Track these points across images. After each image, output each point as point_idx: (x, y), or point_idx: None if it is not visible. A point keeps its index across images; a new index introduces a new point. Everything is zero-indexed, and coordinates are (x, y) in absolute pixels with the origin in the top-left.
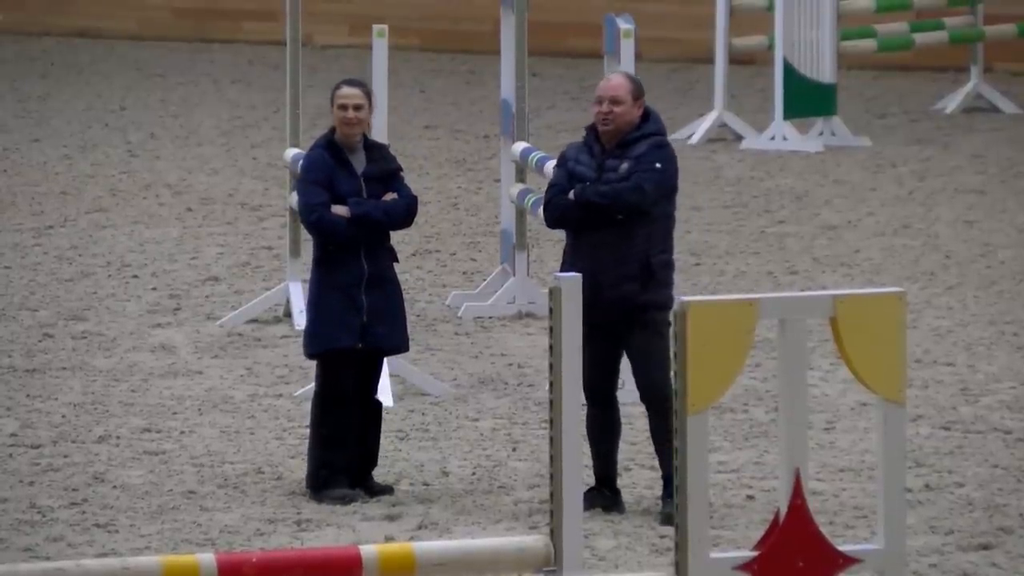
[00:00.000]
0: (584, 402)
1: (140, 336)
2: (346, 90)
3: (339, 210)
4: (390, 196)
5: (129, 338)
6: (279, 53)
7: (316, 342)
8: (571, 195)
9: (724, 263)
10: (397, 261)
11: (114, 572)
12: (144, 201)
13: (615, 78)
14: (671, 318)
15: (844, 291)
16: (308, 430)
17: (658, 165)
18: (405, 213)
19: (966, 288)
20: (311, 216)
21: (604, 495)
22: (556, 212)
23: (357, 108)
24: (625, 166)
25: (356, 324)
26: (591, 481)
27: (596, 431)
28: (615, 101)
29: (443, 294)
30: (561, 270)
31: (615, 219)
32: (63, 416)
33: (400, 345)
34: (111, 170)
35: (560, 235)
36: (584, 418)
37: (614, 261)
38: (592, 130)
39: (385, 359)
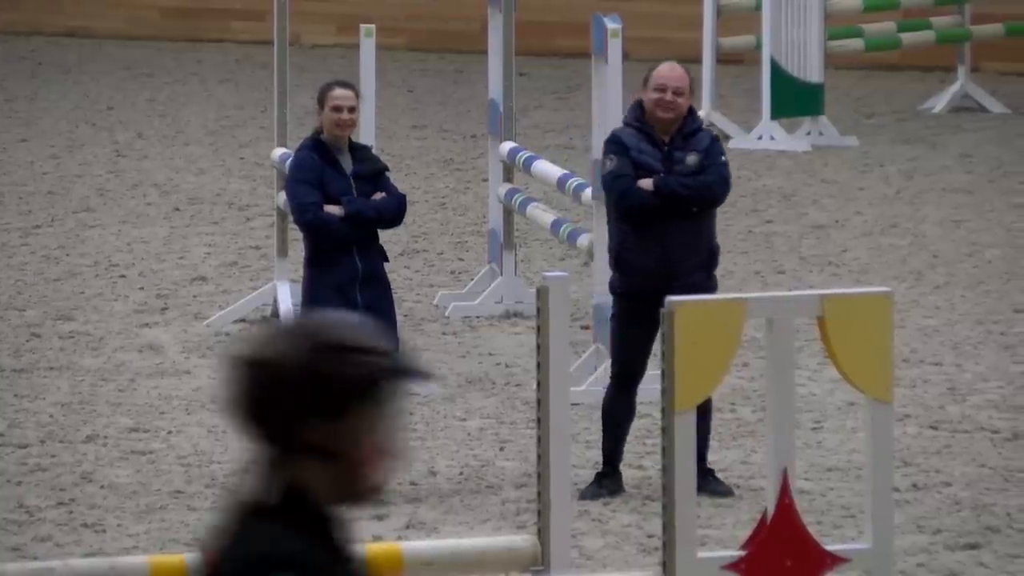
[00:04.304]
0: (611, 386)
1: (128, 336)
2: (340, 91)
3: (332, 209)
4: (379, 195)
5: (117, 338)
6: (267, 52)
7: None
8: (644, 184)
9: None
10: (387, 260)
11: (102, 572)
12: (132, 201)
13: (677, 69)
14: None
15: (831, 291)
16: None
17: (723, 158)
18: (396, 211)
19: (953, 287)
20: (305, 215)
21: (615, 477)
22: (635, 201)
23: (351, 110)
24: (692, 158)
25: None
26: (584, 477)
27: (617, 413)
28: (679, 92)
29: (431, 294)
30: (617, 260)
31: (689, 210)
32: (51, 416)
33: (393, 345)
34: (99, 170)
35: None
36: (602, 402)
37: (686, 251)
38: (640, 118)
39: None
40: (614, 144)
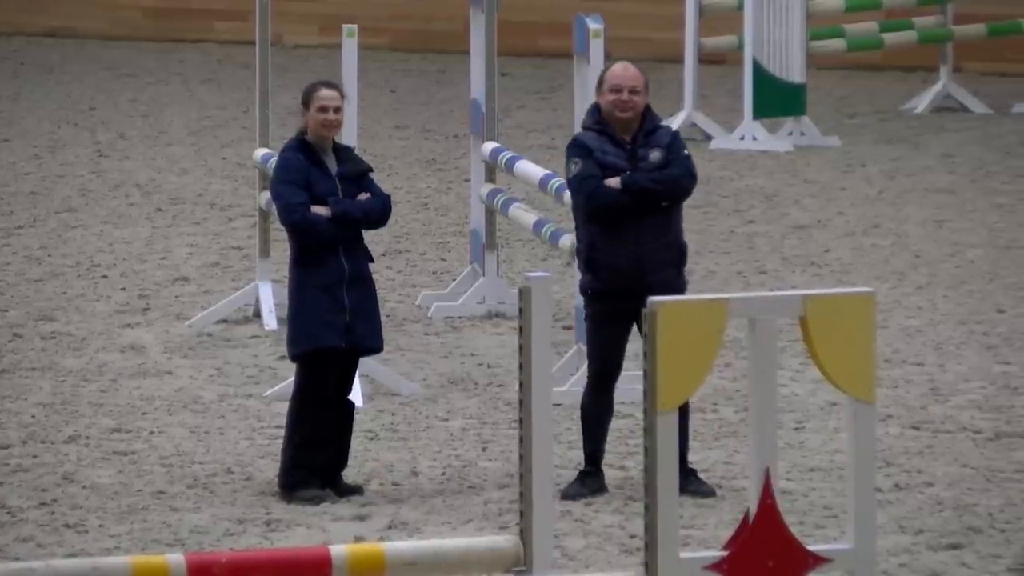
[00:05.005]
0: (589, 387)
1: (109, 336)
2: (327, 92)
3: (319, 210)
4: (364, 196)
5: (98, 338)
6: (249, 53)
7: (302, 342)
8: (611, 183)
9: (694, 263)
10: (372, 261)
11: (84, 572)
12: (114, 201)
13: (631, 68)
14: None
15: (814, 291)
16: (277, 430)
17: (685, 152)
18: (382, 211)
19: (936, 288)
20: (293, 216)
21: (597, 476)
22: (604, 200)
23: (337, 110)
24: (656, 154)
25: (340, 323)
26: (566, 478)
27: (596, 414)
28: (635, 91)
29: (413, 294)
30: (588, 261)
31: (658, 206)
32: (32, 416)
33: (378, 345)
34: (81, 170)
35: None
36: (581, 402)
37: (658, 247)
38: (599, 120)
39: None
40: (577, 147)
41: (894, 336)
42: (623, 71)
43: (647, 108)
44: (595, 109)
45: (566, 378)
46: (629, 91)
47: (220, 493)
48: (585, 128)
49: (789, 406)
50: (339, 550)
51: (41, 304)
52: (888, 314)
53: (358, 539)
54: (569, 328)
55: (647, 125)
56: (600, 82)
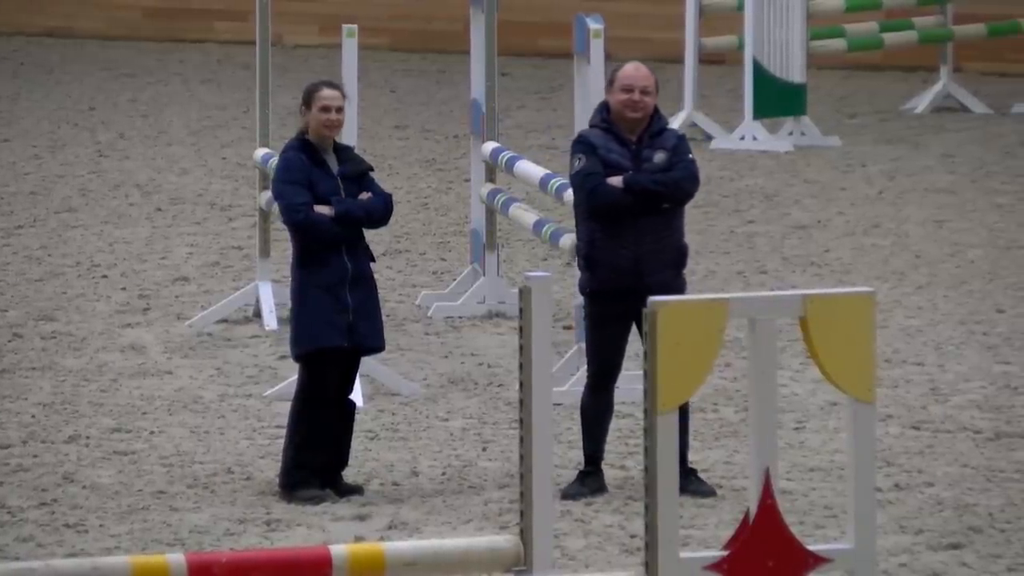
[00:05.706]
0: (589, 385)
1: (110, 336)
2: (328, 92)
3: (322, 209)
4: (366, 195)
5: (99, 338)
6: (249, 53)
7: (305, 341)
8: (613, 181)
9: (694, 263)
10: (374, 260)
11: (84, 572)
12: (114, 201)
13: (643, 68)
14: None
15: (814, 291)
16: (278, 430)
17: (690, 155)
18: (384, 210)
19: (936, 288)
20: (296, 216)
21: (597, 476)
22: (608, 199)
23: (339, 110)
24: (660, 156)
25: (343, 323)
26: (566, 478)
27: (596, 414)
28: (646, 91)
29: (413, 294)
30: (588, 259)
31: (659, 207)
32: (32, 416)
33: (380, 345)
34: (81, 170)
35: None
36: (580, 402)
37: (657, 249)
38: (607, 118)
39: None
40: (582, 144)
41: (894, 336)
42: (635, 71)
43: (655, 109)
44: (604, 107)
45: (566, 378)
46: (640, 91)
47: (220, 493)
48: (592, 125)
49: (789, 406)
50: (339, 550)
51: (41, 304)
52: (888, 314)
53: (358, 539)
54: (569, 328)
55: (654, 126)
56: (611, 81)
